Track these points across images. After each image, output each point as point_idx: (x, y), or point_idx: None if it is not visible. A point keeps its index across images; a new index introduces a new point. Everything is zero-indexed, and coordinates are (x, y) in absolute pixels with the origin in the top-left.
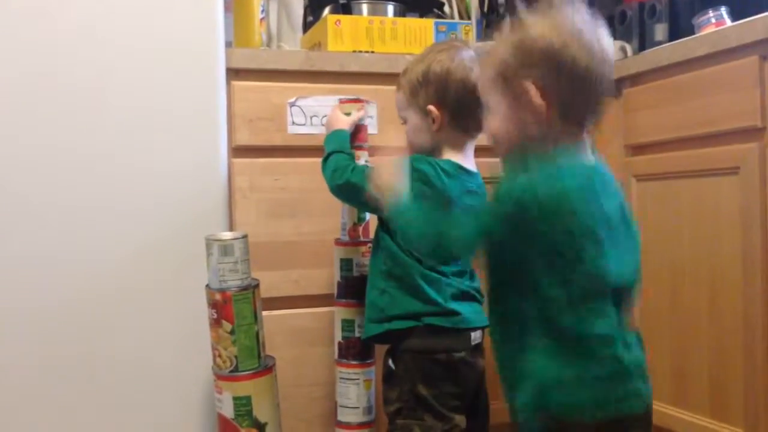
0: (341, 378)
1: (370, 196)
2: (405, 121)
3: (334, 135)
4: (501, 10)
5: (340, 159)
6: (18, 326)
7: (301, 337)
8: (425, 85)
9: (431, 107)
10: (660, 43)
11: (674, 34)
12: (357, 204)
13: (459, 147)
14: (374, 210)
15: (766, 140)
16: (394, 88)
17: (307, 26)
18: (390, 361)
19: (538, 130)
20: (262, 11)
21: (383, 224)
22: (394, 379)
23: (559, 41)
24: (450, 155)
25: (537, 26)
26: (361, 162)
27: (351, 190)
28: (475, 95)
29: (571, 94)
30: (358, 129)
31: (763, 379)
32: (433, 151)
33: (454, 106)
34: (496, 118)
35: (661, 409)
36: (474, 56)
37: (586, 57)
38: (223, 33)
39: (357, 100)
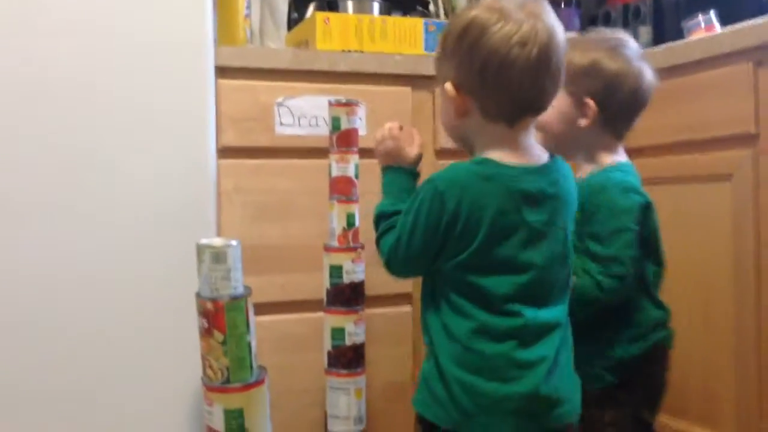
0: (331, 387)
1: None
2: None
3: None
4: None
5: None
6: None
7: (289, 343)
8: (592, 77)
9: (589, 101)
10: (644, 45)
11: (659, 37)
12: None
13: (612, 147)
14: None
15: (760, 147)
16: (383, 88)
17: (291, 23)
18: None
19: (462, 125)
20: (247, 7)
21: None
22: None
23: (478, 31)
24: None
25: (461, 14)
26: (351, 166)
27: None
28: (641, 104)
29: (487, 88)
30: (348, 133)
31: (755, 387)
32: (580, 144)
33: (616, 108)
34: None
35: None
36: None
37: (505, 46)
38: (212, 29)
39: (348, 104)
